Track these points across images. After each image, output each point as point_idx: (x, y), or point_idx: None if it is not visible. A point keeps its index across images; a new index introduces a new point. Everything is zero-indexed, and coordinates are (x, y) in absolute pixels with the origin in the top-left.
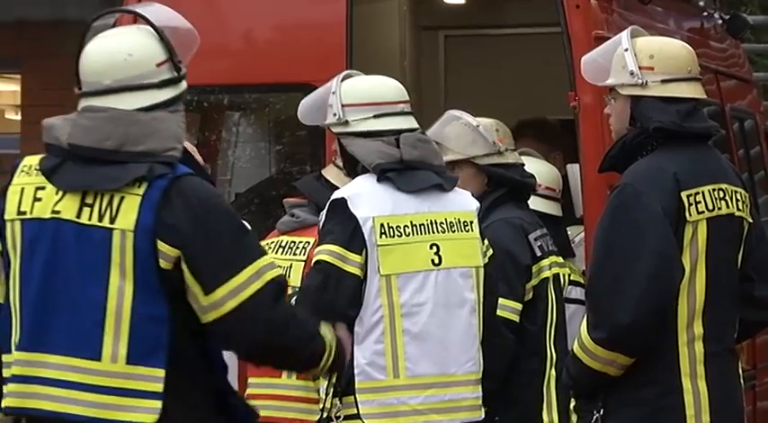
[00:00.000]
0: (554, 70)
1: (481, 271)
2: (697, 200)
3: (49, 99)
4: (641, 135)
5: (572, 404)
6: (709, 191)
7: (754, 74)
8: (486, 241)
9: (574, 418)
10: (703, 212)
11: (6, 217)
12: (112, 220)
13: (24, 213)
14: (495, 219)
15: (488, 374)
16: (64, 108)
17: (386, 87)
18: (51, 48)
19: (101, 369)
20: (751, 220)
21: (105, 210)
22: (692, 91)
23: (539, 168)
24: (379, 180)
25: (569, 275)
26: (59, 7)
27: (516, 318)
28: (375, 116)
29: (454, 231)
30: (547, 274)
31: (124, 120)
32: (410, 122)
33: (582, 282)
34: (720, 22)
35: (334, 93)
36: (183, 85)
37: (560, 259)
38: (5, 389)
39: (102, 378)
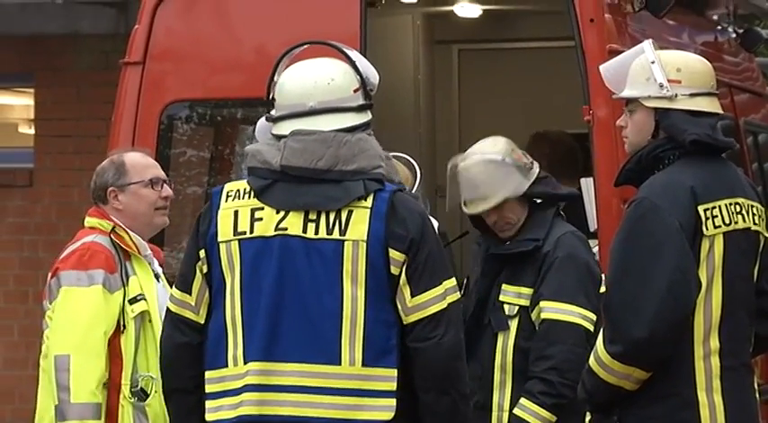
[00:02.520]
0: (567, 84)
1: None
2: (714, 214)
3: (63, 113)
4: (660, 148)
5: (587, 418)
6: (725, 205)
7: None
8: None
9: None
10: (720, 227)
11: (221, 239)
12: (343, 233)
13: (243, 233)
14: (563, 230)
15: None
16: (77, 122)
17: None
18: (65, 62)
19: (340, 372)
20: (767, 235)
21: (334, 223)
22: (716, 106)
23: None
24: None
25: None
26: (73, 21)
27: (592, 329)
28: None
29: None
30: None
31: (334, 141)
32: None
33: None
34: (734, 36)
35: None
36: (371, 112)
37: None
38: (234, 399)
39: (342, 381)
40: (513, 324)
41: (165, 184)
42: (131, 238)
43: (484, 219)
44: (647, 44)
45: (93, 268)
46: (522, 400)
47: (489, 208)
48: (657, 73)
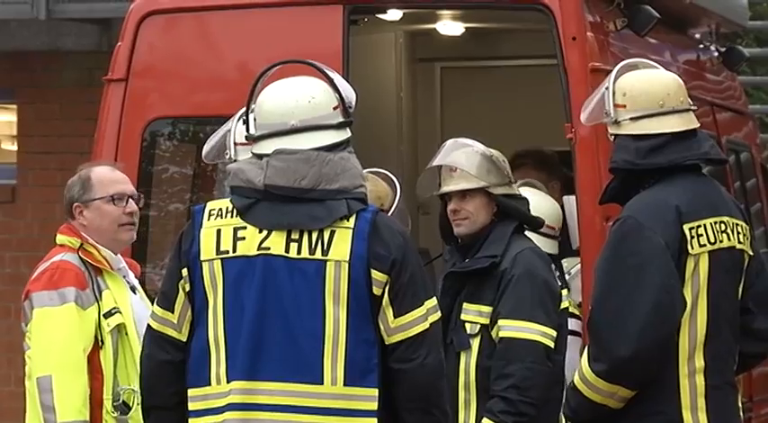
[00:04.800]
0: (549, 102)
1: None
2: (699, 233)
3: (46, 129)
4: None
5: None
6: (711, 224)
7: (749, 106)
8: None
9: None
10: (705, 246)
11: (204, 258)
12: (325, 253)
13: (226, 252)
14: (521, 247)
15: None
16: (60, 138)
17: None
18: (47, 78)
19: (322, 392)
20: (752, 253)
21: (316, 243)
22: (663, 125)
23: (542, 205)
24: None
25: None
26: (55, 38)
27: (552, 345)
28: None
29: None
30: (565, 304)
31: (317, 160)
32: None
33: (577, 313)
34: (717, 54)
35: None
36: (350, 129)
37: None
38: (217, 418)
39: (325, 400)
40: (475, 343)
41: (130, 200)
42: (100, 253)
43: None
44: (615, 70)
45: (63, 287)
46: (484, 420)
47: (461, 189)
48: (607, 99)
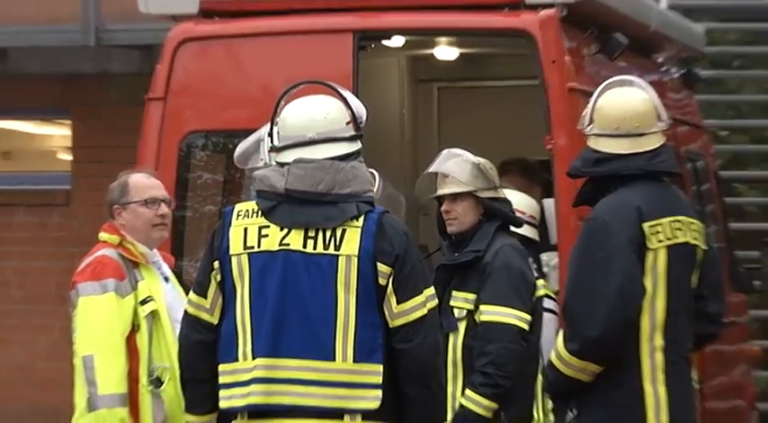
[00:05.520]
0: (532, 117)
1: None
2: (657, 230)
3: (96, 142)
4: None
5: (550, 405)
6: (668, 222)
7: (705, 121)
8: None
9: (551, 416)
10: (662, 241)
11: (232, 252)
12: (337, 248)
13: (252, 248)
14: (501, 244)
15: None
16: (108, 150)
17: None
18: (97, 97)
19: (334, 367)
20: (705, 248)
21: (330, 240)
22: (614, 147)
23: (522, 200)
24: None
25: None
26: (103, 62)
27: (526, 328)
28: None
29: None
30: (541, 292)
31: (331, 168)
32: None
33: (553, 295)
34: (677, 75)
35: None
36: (360, 142)
37: (542, 281)
38: (243, 389)
39: (336, 374)
40: (462, 325)
41: (162, 204)
42: (137, 249)
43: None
44: (603, 86)
45: (104, 278)
46: (467, 391)
47: (451, 192)
48: (587, 111)
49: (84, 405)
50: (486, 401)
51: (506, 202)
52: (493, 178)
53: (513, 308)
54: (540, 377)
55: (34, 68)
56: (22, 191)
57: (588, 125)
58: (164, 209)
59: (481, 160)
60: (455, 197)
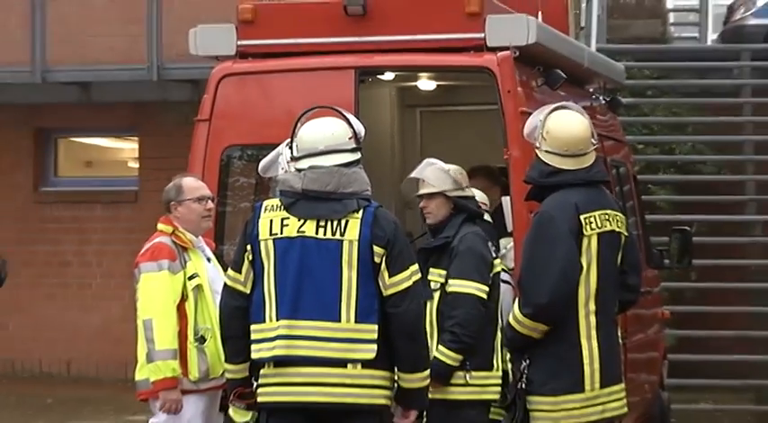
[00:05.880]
0: (493, 134)
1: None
2: (590, 221)
3: (156, 153)
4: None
5: (508, 356)
6: (598, 215)
7: (625, 137)
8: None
9: (509, 364)
10: (595, 229)
11: (261, 238)
12: (342, 235)
13: (276, 234)
14: (466, 232)
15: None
16: (166, 159)
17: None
18: (158, 120)
19: (340, 327)
20: (626, 234)
21: (336, 229)
22: (562, 164)
23: (482, 196)
24: None
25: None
26: (163, 93)
27: (485, 297)
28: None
29: None
30: (498, 268)
31: (337, 173)
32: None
33: (509, 271)
34: (604, 102)
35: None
36: (360, 153)
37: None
38: (270, 344)
39: (341, 332)
40: (436, 295)
41: (209, 200)
42: (186, 237)
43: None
44: (551, 107)
45: (161, 259)
46: (438, 346)
47: (426, 193)
48: (538, 129)
49: (144, 358)
50: (453, 354)
51: (472, 199)
52: (460, 181)
53: (474, 281)
54: (499, 334)
55: (110, 98)
56: (100, 191)
57: (539, 142)
58: (210, 204)
59: (452, 167)
60: (430, 196)
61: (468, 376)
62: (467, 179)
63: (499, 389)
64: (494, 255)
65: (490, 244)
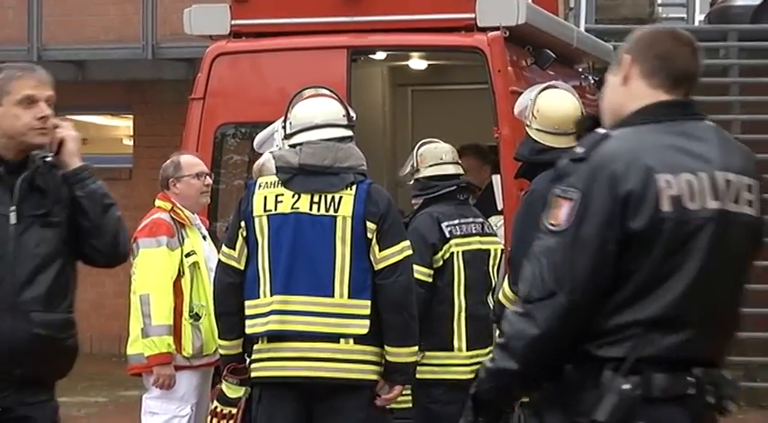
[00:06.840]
0: (484, 113)
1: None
2: None
3: (150, 131)
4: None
5: (497, 332)
6: None
7: None
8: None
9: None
10: None
11: (255, 214)
12: (336, 211)
13: (270, 211)
14: (421, 213)
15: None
16: (161, 137)
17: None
18: (152, 98)
19: (333, 302)
20: None
21: (329, 204)
22: (553, 142)
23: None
24: None
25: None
26: (157, 71)
27: (427, 279)
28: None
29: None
30: (454, 249)
31: (334, 148)
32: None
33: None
34: (593, 81)
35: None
36: (352, 131)
37: (468, 239)
38: (263, 319)
39: (335, 307)
40: None
41: (207, 176)
42: (184, 213)
43: None
44: (542, 86)
45: (159, 235)
46: None
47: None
48: (528, 108)
49: (139, 332)
50: None
51: (456, 176)
52: (418, 163)
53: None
54: (461, 316)
55: (105, 76)
56: (95, 168)
57: (530, 120)
58: (208, 180)
59: (444, 146)
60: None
61: (420, 356)
62: (456, 157)
63: (469, 369)
64: (447, 235)
65: (445, 224)
